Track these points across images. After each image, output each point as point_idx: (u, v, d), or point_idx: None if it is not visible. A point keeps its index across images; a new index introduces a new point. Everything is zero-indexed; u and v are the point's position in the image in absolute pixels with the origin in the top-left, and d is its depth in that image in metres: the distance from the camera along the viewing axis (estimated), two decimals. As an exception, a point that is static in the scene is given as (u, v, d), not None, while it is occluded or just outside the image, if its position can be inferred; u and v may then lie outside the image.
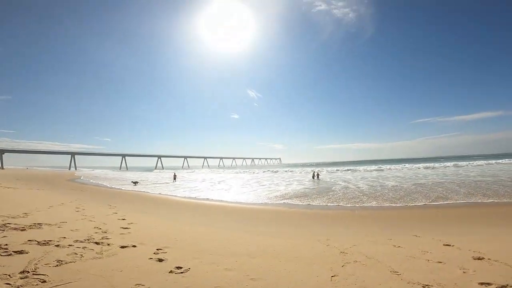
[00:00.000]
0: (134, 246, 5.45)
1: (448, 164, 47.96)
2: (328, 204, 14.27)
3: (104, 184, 32.95)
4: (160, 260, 4.71)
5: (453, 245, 5.96)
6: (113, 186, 28.92)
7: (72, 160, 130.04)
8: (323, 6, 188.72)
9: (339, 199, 15.86)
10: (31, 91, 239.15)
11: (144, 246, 5.50)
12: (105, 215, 9.33)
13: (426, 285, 3.80)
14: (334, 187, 22.75)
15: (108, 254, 4.84)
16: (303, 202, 15.15)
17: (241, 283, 3.88)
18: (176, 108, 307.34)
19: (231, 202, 15.91)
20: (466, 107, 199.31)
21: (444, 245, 6.10)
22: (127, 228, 7.21)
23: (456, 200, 13.37)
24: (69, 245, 5.10)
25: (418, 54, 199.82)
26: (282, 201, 15.79)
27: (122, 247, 5.32)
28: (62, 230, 6.32)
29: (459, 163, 49.38)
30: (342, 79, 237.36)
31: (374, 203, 13.96)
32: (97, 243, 5.43)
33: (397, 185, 22.47)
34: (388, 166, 50.65)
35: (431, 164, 49.08)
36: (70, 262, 4.32)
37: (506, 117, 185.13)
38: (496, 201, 12.72)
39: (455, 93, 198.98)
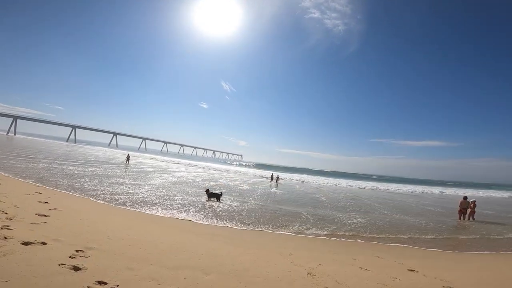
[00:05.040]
0: (44, 243, 3.98)
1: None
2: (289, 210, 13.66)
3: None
4: (76, 268, 3.38)
5: (417, 271, 5.81)
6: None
7: (13, 124, 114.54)
8: (316, 14, 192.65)
9: (300, 206, 15.39)
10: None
11: (58, 245, 4.06)
12: (23, 194, 7.45)
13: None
14: (297, 197, 22.47)
15: (-1, 253, 3.38)
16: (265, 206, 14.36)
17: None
18: (141, 85, 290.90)
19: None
20: (415, 134, 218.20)
21: (408, 270, 5.88)
22: (45, 215, 5.56)
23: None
24: None
25: (388, 79, 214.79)
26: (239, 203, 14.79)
27: (25, 243, 3.84)
28: None
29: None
30: (317, 88, 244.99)
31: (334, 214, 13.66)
32: (-12, 234, 3.89)
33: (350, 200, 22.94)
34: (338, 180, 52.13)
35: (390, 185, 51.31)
36: None
37: (449, 148, 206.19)
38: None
39: (409, 119, 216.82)
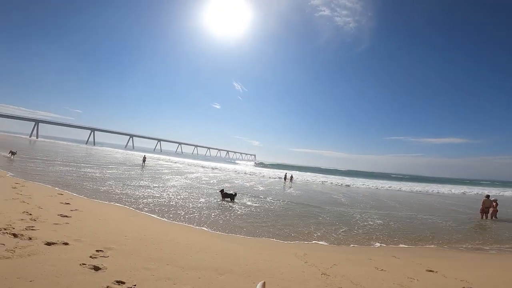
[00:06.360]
0: (66, 243, 4.17)
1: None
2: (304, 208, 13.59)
3: None
4: (96, 268, 3.52)
5: (436, 271, 5.67)
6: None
7: (36, 127, 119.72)
8: (326, 12, 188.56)
9: (312, 201, 15.31)
10: (7, 54, 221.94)
11: (80, 245, 4.25)
12: (47, 195, 7.80)
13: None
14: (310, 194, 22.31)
15: (23, 253, 3.55)
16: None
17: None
18: (155, 87, 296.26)
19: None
20: (435, 131, 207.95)
21: (427, 270, 5.73)
22: (66, 216, 5.80)
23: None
24: (-28, 236, 3.76)
25: (402, 76, 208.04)
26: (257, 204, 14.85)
27: (49, 243, 4.03)
28: (-25, 212, 4.88)
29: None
30: (329, 87, 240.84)
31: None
32: (14, 235, 4.08)
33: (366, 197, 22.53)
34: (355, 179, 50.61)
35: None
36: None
37: (471, 145, 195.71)
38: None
39: (429, 116, 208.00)
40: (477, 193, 35.64)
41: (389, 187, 37.13)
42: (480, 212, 14.71)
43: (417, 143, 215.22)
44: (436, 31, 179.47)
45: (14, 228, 4.38)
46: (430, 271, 5.66)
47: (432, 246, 8.51)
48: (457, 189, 42.07)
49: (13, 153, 21.65)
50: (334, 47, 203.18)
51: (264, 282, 1.88)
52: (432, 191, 36.97)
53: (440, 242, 9.09)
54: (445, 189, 41.91)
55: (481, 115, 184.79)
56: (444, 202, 23.15)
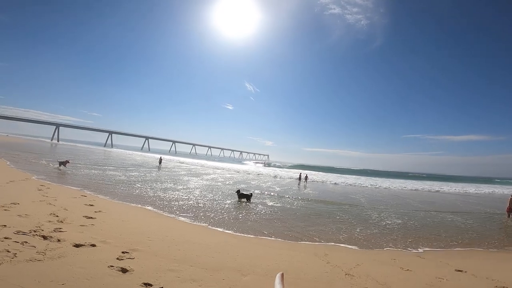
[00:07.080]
0: (93, 245, 4.27)
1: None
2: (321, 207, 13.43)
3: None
4: (124, 270, 3.58)
5: (465, 271, 5.49)
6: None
7: (56, 131, 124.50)
8: (337, 10, 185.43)
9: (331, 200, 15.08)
10: (29, 60, 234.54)
11: (106, 246, 4.34)
12: (71, 197, 8.04)
13: None
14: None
15: (53, 255, 3.66)
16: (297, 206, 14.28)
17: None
18: (169, 89, 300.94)
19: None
20: (455, 128, 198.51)
21: (456, 270, 5.54)
22: (91, 218, 5.94)
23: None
24: (5, 238, 3.88)
25: (419, 73, 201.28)
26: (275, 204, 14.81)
27: (77, 245, 4.13)
28: (6, 215, 5.06)
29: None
30: (342, 85, 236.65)
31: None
32: (44, 237, 4.21)
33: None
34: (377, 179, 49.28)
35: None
36: (-7, 264, 3.11)
37: (493, 142, 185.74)
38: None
39: (448, 112, 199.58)
40: (502, 192, 34.08)
41: (411, 187, 35.77)
42: (507, 211, 14.06)
43: (435, 140, 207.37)
44: (449, 28, 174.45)
45: (43, 230, 4.53)
46: (459, 270, 5.49)
47: (458, 245, 8.20)
48: (483, 188, 40.44)
49: (63, 163, 18.42)
50: (346, 45, 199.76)
51: (282, 274, 1.85)
52: (454, 189, 35.67)
53: (467, 242, 8.75)
54: (470, 188, 40.35)
55: (502, 112, 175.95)
56: (468, 202, 22.28)
